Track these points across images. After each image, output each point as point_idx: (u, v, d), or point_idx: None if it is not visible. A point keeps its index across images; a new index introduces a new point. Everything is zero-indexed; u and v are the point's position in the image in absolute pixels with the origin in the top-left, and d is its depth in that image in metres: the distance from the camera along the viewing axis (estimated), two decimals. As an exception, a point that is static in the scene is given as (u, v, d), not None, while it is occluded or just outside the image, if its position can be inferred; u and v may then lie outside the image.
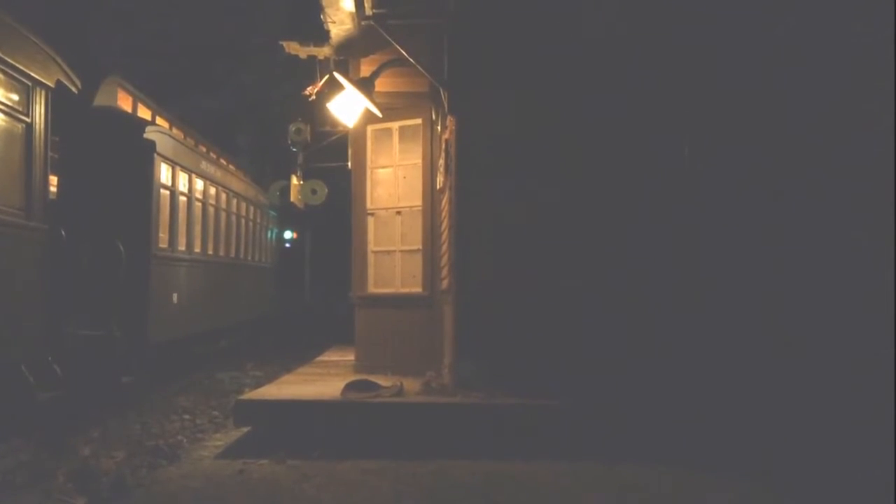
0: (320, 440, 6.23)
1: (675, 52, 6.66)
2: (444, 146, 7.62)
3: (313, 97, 9.60)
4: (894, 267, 6.02)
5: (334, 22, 7.75)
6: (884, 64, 6.21)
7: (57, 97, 7.83)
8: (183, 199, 11.85)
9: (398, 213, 8.96)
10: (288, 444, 6.20)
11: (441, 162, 7.85)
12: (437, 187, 8.29)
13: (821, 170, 6.45)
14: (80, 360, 8.44)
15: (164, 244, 10.96)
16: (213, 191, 13.66)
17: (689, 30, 6.66)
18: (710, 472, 5.50)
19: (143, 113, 13.02)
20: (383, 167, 9.12)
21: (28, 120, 7.32)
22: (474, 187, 6.86)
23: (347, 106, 7.71)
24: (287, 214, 21.89)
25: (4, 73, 6.91)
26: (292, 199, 15.52)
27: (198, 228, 12.66)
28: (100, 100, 11.14)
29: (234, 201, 15.34)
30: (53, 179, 8.99)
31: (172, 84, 21.72)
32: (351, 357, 9.42)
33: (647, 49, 6.69)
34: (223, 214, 14.43)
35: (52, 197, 8.28)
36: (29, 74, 7.25)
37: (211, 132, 19.04)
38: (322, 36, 8.27)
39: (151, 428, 7.84)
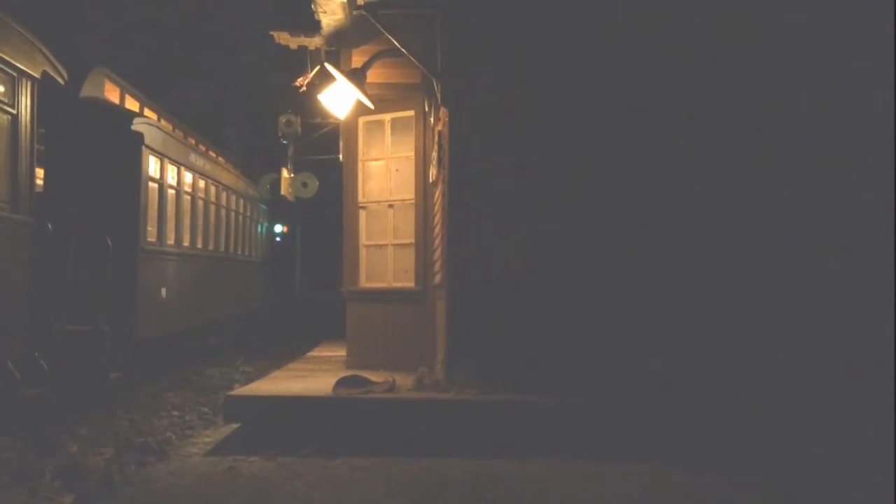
0: (311, 437, 6.17)
1: (673, 45, 6.60)
2: (436, 138, 7.54)
3: (304, 88, 9.52)
4: (894, 264, 5.98)
5: (325, 12, 7.65)
6: (884, 61, 6.16)
7: (43, 88, 7.73)
8: (171, 192, 11.74)
9: (390, 206, 8.88)
10: (278, 440, 6.13)
11: (434, 154, 7.78)
12: (430, 180, 8.22)
13: (820, 163, 6.41)
14: (67, 355, 8.33)
15: (152, 238, 10.85)
16: (202, 184, 13.55)
17: (688, 23, 6.59)
18: (706, 472, 5.46)
19: (131, 104, 12.89)
20: (375, 160, 9.03)
21: (13, 112, 7.21)
22: (468, 180, 6.79)
23: (339, 97, 7.62)
24: (278, 208, 21.78)
25: (-11, 63, 6.81)
26: (283, 192, 15.46)
27: (187, 222, 12.55)
28: (87, 91, 11.01)
29: (224, 194, 15.22)
30: (40, 172, 8.88)
31: (161, 75, 21.55)
32: (342, 353, 9.35)
33: (645, 41, 6.62)
34: (213, 208, 14.31)
35: (38, 190, 8.16)
36: (14, 65, 7.14)
37: (200, 124, 18.90)
38: (313, 26, 8.17)
39: (140, 425, 7.75)
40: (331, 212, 13.29)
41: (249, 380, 10.02)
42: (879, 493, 4.90)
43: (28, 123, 7.44)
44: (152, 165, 10.87)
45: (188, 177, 12.65)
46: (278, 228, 26.25)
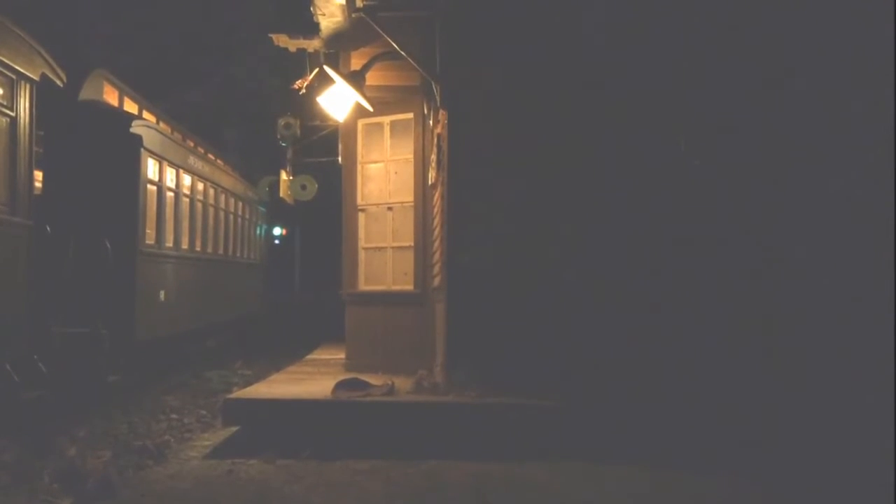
0: (310, 440, 6.15)
1: (672, 45, 6.59)
2: (436, 141, 7.53)
3: (303, 91, 9.50)
4: (894, 265, 5.97)
5: (324, 14, 7.64)
6: (884, 60, 6.16)
7: (42, 91, 7.72)
8: (170, 194, 11.72)
9: (389, 209, 8.87)
10: (277, 444, 6.11)
11: (433, 157, 7.77)
12: (429, 183, 8.20)
13: (820, 164, 6.40)
14: (66, 358, 8.32)
15: (150, 241, 10.83)
16: (200, 186, 13.53)
17: (687, 23, 6.59)
18: (705, 473, 5.45)
19: (130, 107, 12.88)
20: (374, 162, 9.02)
21: (12, 114, 7.21)
22: (467, 183, 6.78)
23: (338, 100, 7.62)
24: (276, 210, 21.76)
25: (-13, 66, 6.81)
26: (282, 194, 15.43)
27: (185, 225, 12.54)
28: (86, 93, 11.00)
29: (223, 197, 15.20)
30: (38, 174, 8.87)
31: (159, 78, 21.55)
32: (341, 356, 9.34)
33: (644, 41, 6.62)
34: (211, 210, 14.30)
35: (36, 192, 8.15)
36: (13, 67, 7.14)
37: (199, 127, 18.89)
38: (312, 28, 8.17)
39: (138, 427, 7.74)
40: (330, 214, 13.28)
41: (248, 383, 10.01)
42: (879, 493, 4.89)
43: (27, 126, 7.43)
44: (151, 168, 10.86)
45: (187, 179, 12.63)
46: (277, 231, 26.24)
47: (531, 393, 6.32)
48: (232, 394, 7.95)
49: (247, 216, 17.67)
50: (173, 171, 11.83)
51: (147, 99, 14.15)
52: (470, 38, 6.86)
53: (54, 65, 7.88)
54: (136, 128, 10.46)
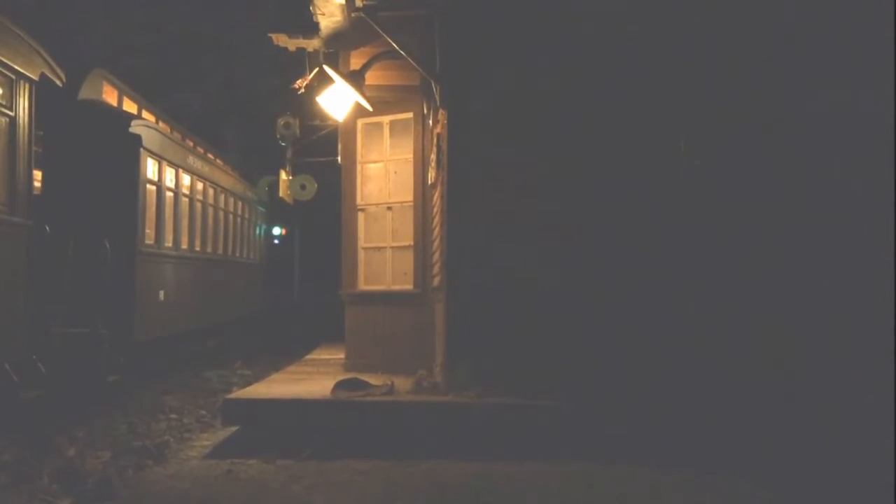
0: (310, 440, 6.15)
1: (672, 45, 6.59)
2: (435, 140, 7.53)
3: (302, 90, 9.50)
4: (894, 266, 5.97)
5: (324, 14, 7.63)
6: (884, 60, 6.15)
7: (41, 90, 7.72)
8: (170, 194, 11.72)
9: (389, 208, 8.86)
10: (277, 444, 6.11)
11: (432, 156, 7.76)
12: (429, 182, 8.20)
13: (820, 164, 6.40)
14: (65, 358, 8.32)
15: (150, 240, 10.83)
16: (200, 186, 13.53)
17: (688, 23, 6.58)
18: (705, 473, 5.45)
19: (129, 107, 12.88)
20: (374, 162, 9.01)
21: (11, 114, 7.20)
22: (466, 182, 6.77)
23: (337, 99, 7.61)
24: (276, 210, 21.75)
25: (-14, 65, 6.80)
26: (281, 194, 15.42)
27: (185, 224, 12.54)
28: (85, 93, 11.00)
29: (222, 197, 15.20)
30: (38, 174, 8.87)
31: (158, 77, 21.54)
32: (341, 355, 9.33)
33: (645, 41, 6.61)
34: (211, 210, 14.30)
35: (36, 192, 8.15)
36: (12, 67, 7.13)
37: (198, 126, 18.89)
38: (311, 28, 8.16)
39: (138, 428, 7.72)
40: (329, 214, 13.26)
41: (248, 383, 10.00)
42: (879, 493, 4.89)
43: (26, 125, 7.43)
44: (150, 168, 10.85)
45: (186, 179, 12.63)
46: (276, 231, 26.22)
47: (530, 393, 6.31)
48: (231, 394, 7.95)
49: (246, 216, 17.67)
50: (172, 170, 11.83)
51: (147, 99, 14.14)
52: (470, 37, 6.85)
53: (54, 64, 7.88)
54: (135, 127, 10.46)
